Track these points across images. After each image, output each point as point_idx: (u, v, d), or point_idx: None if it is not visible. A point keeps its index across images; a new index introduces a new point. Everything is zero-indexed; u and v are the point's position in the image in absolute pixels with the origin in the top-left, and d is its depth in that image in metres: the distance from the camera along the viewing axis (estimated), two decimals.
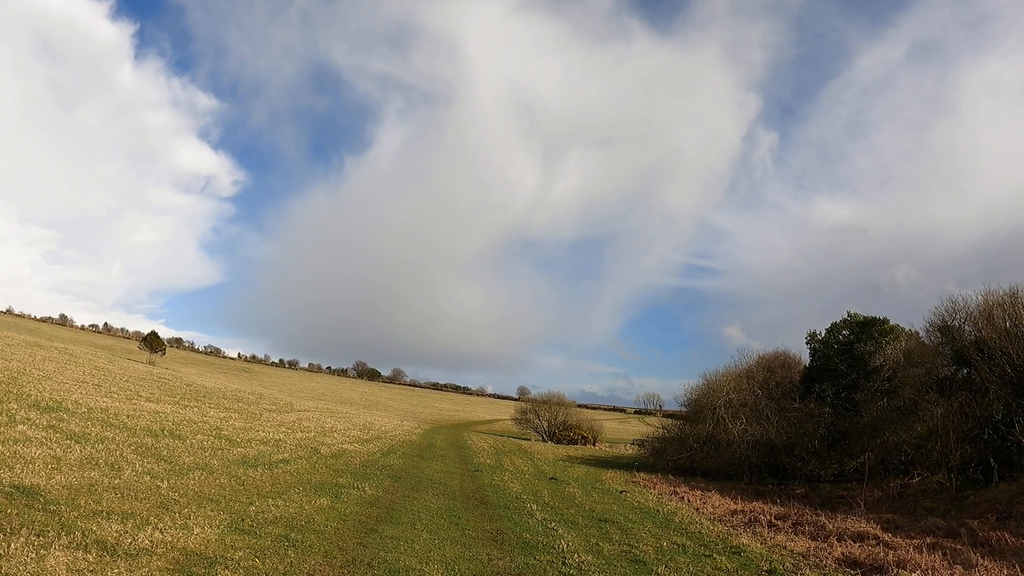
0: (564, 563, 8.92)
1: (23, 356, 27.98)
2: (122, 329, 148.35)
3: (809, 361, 29.01)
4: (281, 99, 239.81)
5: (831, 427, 24.34)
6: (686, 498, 18.61)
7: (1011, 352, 18.96)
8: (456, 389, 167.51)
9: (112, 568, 5.85)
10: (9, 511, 6.84)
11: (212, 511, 8.78)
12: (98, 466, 10.19)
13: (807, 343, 29.16)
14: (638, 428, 75.52)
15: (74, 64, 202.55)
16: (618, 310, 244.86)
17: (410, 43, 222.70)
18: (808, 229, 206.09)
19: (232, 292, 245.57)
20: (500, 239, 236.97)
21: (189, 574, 6.13)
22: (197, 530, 7.56)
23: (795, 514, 15.67)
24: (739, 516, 15.58)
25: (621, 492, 18.74)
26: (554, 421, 45.79)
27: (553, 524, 12.00)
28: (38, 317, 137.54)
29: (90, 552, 6.12)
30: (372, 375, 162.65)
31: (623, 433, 63.44)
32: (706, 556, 10.48)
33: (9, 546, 5.79)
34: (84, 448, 11.29)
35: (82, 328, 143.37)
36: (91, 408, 16.49)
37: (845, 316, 28.32)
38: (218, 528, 7.88)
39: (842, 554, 11.50)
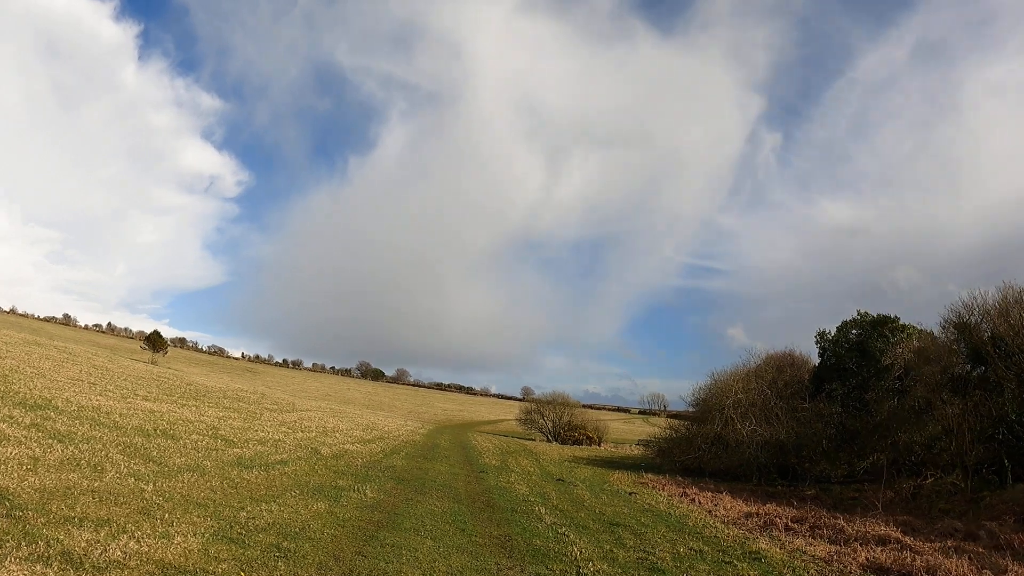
0: (579, 573, 8.34)
1: (19, 354, 27.46)
2: (125, 329, 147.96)
3: (819, 360, 28.48)
4: (285, 99, 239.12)
5: (841, 427, 23.89)
6: (697, 500, 18.22)
7: None
8: (460, 389, 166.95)
9: None
10: None
11: (198, 517, 8.15)
12: (79, 467, 9.57)
13: (816, 342, 28.68)
14: (642, 428, 75.02)
15: (78, 64, 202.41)
16: (622, 310, 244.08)
17: (414, 43, 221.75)
18: (812, 230, 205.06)
19: (236, 292, 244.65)
20: (504, 240, 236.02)
21: None
22: (179, 539, 6.94)
23: (812, 517, 15.21)
24: (754, 519, 15.10)
25: (630, 494, 18.22)
26: (559, 421, 45.36)
27: (563, 529, 11.40)
28: (41, 317, 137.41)
29: (51, 566, 5.51)
30: (376, 375, 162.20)
31: (627, 433, 62.80)
32: (726, 563, 9.98)
33: None
34: (66, 448, 10.67)
35: (85, 328, 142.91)
36: (82, 406, 15.92)
37: (855, 315, 27.81)
38: (202, 536, 7.24)
39: (867, 559, 11.03)
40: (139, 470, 10.35)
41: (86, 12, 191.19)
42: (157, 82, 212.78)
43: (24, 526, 6.41)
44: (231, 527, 7.98)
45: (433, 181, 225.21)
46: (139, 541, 6.60)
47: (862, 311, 27.62)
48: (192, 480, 10.53)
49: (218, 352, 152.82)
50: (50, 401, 15.38)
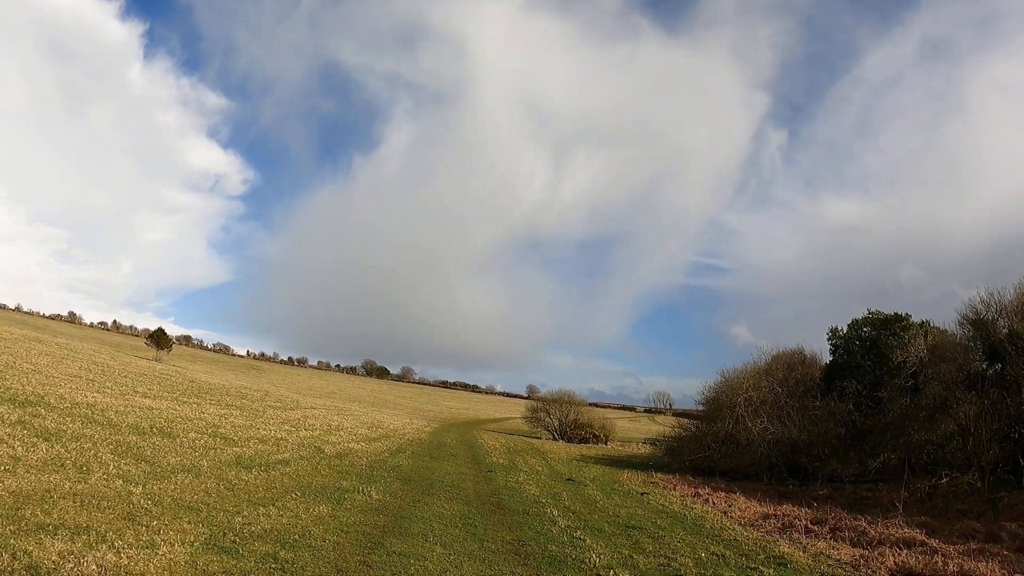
0: None
1: (17, 350, 27.03)
2: (131, 327, 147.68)
3: (830, 358, 28.05)
4: (290, 98, 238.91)
5: (852, 426, 23.48)
6: (711, 500, 17.84)
7: None
8: (465, 387, 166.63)
9: None
10: None
11: (189, 523, 7.50)
12: (63, 468, 8.95)
13: (828, 339, 28.32)
14: (648, 427, 74.65)
15: (83, 64, 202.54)
16: (627, 309, 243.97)
17: (419, 42, 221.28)
18: (817, 228, 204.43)
19: (241, 290, 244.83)
20: (509, 238, 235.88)
21: None
22: (164, 549, 6.29)
23: (832, 519, 14.80)
24: (772, 520, 14.66)
25: (642, 494, 17.72)
26: (565, 420, 44.93)
27: (579, 532, 10.84)
28: (46, 315, 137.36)
29: None
30: (381, 373, 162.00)
31: (633, 432, 62.31)
32: (751, 568, 9.51)
33: None
34: (52, 447, 10.08)
35: (90, 326, 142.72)
36: (76, 403, 15.38)
37: (867, 312, 27.43)
38: (191, 546, 6.59)
39: (896, 564, 10.57)
40: (129, 471, 9.72)
41: (91, 11, 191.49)
42: (162, 81, 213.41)
43: None
44: (224, 534, 7.35)
45: (438, 180, 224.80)
46: (119, 552, 5.97)
47: (873, 309, 27.38)
48: (186, 482, 9.90)
49: (223, 350, 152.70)
50: (42, 398, 14.86)
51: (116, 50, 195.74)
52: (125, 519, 7.18)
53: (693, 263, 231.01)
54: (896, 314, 26.47)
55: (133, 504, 7.88)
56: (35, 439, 10.31)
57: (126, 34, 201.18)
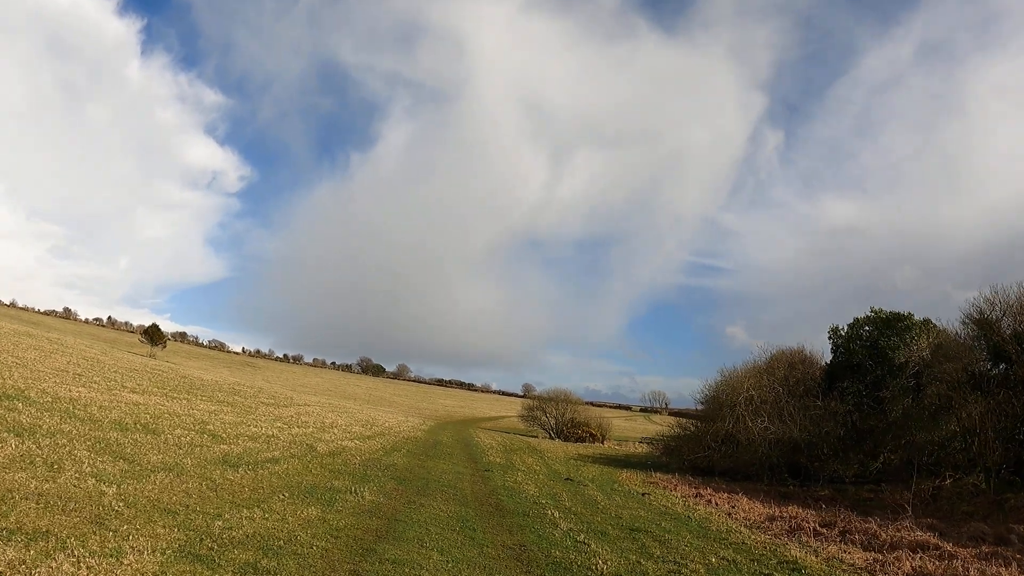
0: None
1: (5, 344, 26.39)
2: (126, 323, 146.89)
3: (831, 357, 27.75)
4: (288, 95, 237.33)
5: (853, 426, 23.18)
6: (713, 501, 17.53)
7: None
8: (461, 385, 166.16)
9: None
10: None
11: (163, 527, 6.84)
12: (31, 466, 8.29)
13: (829, 338, 28.11)
14: (644, 426, 74.44)
15: (82, 60, 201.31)
16: (624, 308, 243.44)
17: (417, 41, 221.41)
18: (815, 228, 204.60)
19: (238, 287, 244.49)
20: (507, 237, 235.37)
21: None
22: (131, 558, 5.63)
23: (841, 521, 14.42)
24: (778, 523, 14.29)
25: (643, 495, 17.32)
26: (562, 419, 44.68)
27: (582, 536, 10.32)
28: (42, 310, 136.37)
29: None
30: (376, 371, 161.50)
31: (629, 431, 62.01)
32: (764, 575, 8.98)
33: None
34: (23, 443, 9.41)
35: (85, 322, 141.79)
36: (58, 397, 14.75)
37: (869, 311, 27.11)
38: (162, 554, 5.93)
39: (913, 569, 10.17)
40: (105, 469, 9.07)
41: (90, 8, 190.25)
42: (160, 78, 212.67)
43: None
44: (201, 540, 6.68)
45: (436, 178, 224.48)
46: (78, 562, 5.31)
47: (876, 308, 27.16)
48: (166, 481, 9.25)
49: (218, 347, 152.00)
50: (23, 391, 14.22)
51: (114, 46, 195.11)
52: (92, 523, 6.55)
53: (690, 263, 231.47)
54: (898, 313, 26.20)
55: (104, 506, 7.24)
56: (5, 434, 9.65)
57: (124, 30, 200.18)
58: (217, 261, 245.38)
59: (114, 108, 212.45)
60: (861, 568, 9.92)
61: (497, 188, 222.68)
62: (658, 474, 23.42)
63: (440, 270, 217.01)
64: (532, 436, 42.22)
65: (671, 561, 9.14)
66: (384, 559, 7.30)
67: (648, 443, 41.21)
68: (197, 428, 15.61)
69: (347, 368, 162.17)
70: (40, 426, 10.92)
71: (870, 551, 11.36)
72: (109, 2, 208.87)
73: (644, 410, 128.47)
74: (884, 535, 12.62)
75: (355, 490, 11.64)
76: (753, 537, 12.02)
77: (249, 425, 18.98)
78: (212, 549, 6.49)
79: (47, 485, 7.52)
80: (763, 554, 10.40)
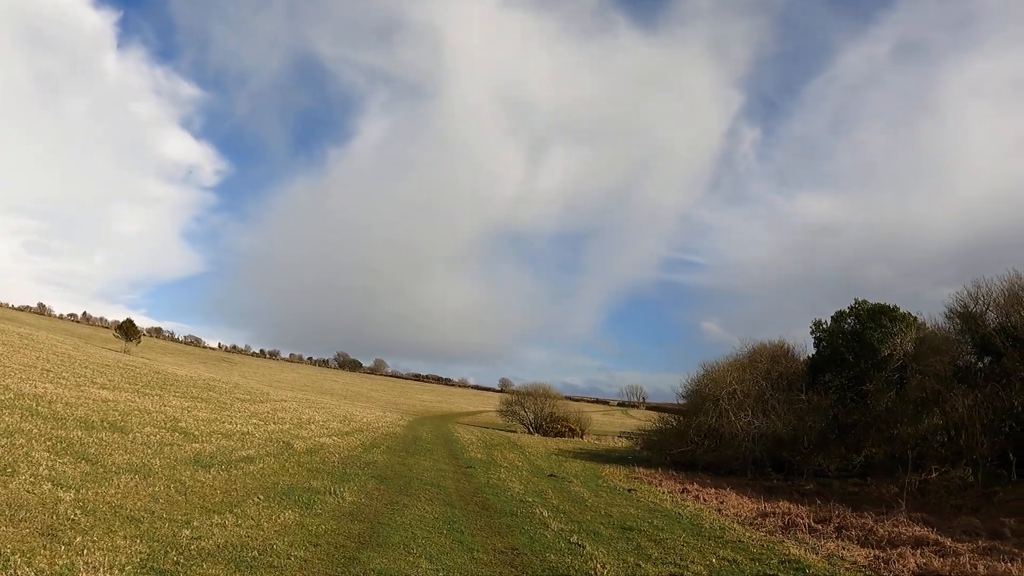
0: None
1: None
2: (101, 319, 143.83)
3: (814, 351, 27.63)
4: (265, 89, 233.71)
5: (836, 419, 23.17)
6: (700, 496, 17.30)
7: None
8: (438, 380, 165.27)
9: None
10: None
11: (124, 538, 6.13)
12: None
13: (812, 332, 27.96)
14: (622, 420, 74.55)
15: (58, 52, 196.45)
16: (601, 303, 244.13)
17: (396, 35, 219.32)
18: (792, 225, 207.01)
19: (214, 282, 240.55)
20: (484, 233, 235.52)
21: None
22: None
23: (836, 517, 14.17)
24: (771, 519, 14.05)
25: (629, 491, 17.01)
26: (540, 413, 44.39)
27: (575, 537, 9.83)
28: (15, 306, 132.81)
29: None
30: (353, 366, 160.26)
31: (608, 425, 61.89)
32: (768, 575, 8.54)
33: None
34: None
35: (60, 317, 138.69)
36: (21, 394, 13.91)
37: (852, 303, 26.93)
38: (122, 570, 5.25)
39: (917, 566, 9.89)
40: (64, 472, 8.33)
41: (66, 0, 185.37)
42: (136, 71, 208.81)
43: None
44: (166, 552, 6.02)
45: (414, 173, 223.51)
46: None
47: (859, 299, 26.93)
48: (131, 484, 8.51)
49: (194, 342, 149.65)
50: None
51: (91, 39, 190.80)
52: (43, 535, 5.85)
53: (668, 258, 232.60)
54: (882, 305, 26.05)
55: (59, 514, 6.54)
56: None
57: (100, 22, 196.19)
58: (193, 256, 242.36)
59: (90, 101, 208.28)
60: (864, 566, 9.62)
61: (475, 183, 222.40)
62: (641, 469, 23.14)
63: (417, 266, 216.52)
64: (511, 431, 41.82)
65: (670, 563, 8.70)
66: (369, 569, 6.71)
67: (627, 437, 41.09)
68: (168, 426, 14.86)
69: (324, 363, 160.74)
70: None
71: (868, 547, 11.13)
72: None
73: (622, 404, 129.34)
74: (881, 531, 12.41)
75: (335, 491, 11.01)
76: (748, 534, 11.71)
77: (223, 422, 18.23)
78: (178, 563, 5.82)
79: None
80: (762, 553, 10.05)
